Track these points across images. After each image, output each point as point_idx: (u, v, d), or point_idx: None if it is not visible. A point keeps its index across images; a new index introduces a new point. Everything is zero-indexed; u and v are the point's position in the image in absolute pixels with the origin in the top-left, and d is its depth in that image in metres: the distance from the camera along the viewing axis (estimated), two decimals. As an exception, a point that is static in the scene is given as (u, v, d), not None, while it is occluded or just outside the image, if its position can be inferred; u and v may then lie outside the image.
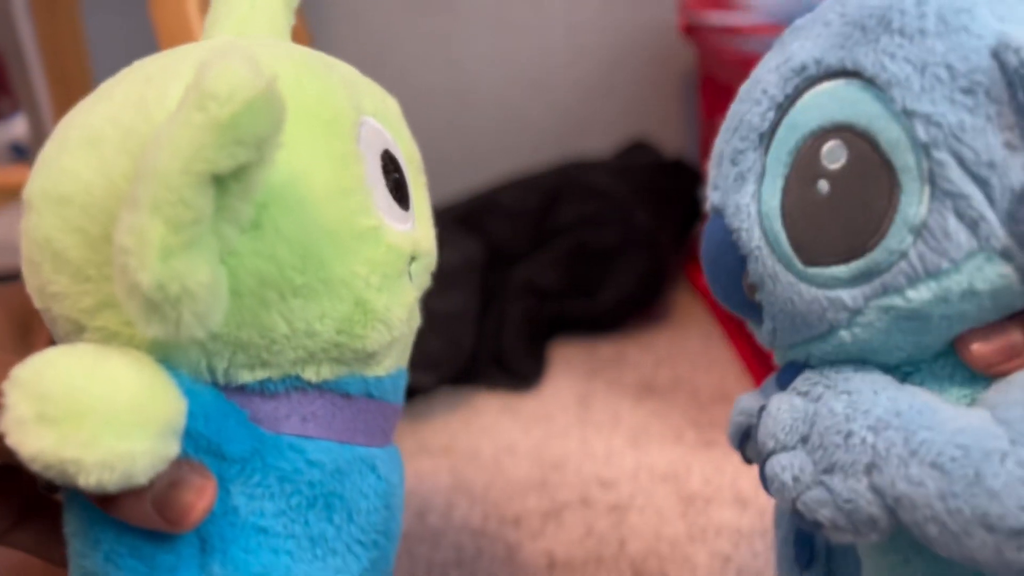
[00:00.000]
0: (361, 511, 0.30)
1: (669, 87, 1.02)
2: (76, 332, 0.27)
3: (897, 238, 0.24)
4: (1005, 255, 0.23)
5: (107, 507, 0.25)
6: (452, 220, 0.88)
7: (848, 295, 0.26)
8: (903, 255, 0.24)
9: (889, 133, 0.24)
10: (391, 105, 0.34)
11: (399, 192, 0.31)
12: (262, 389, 0.28)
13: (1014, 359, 0.24)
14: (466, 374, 0.74)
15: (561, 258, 0.82)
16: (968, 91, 0.23)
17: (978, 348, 0.25)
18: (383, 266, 0.29)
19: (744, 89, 0.30)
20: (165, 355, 0.26)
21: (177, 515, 0.25)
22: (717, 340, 0.79)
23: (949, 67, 0.23)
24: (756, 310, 0.29)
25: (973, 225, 0.23)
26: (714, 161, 0.31)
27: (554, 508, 0.56)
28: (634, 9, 0.97)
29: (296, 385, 0.29)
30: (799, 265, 0.27)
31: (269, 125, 0.22)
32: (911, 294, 0.24)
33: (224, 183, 0.23)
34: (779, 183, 0.27)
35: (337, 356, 0.29)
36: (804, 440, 0.26)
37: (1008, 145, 0.23)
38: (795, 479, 0.26)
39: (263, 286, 0.26)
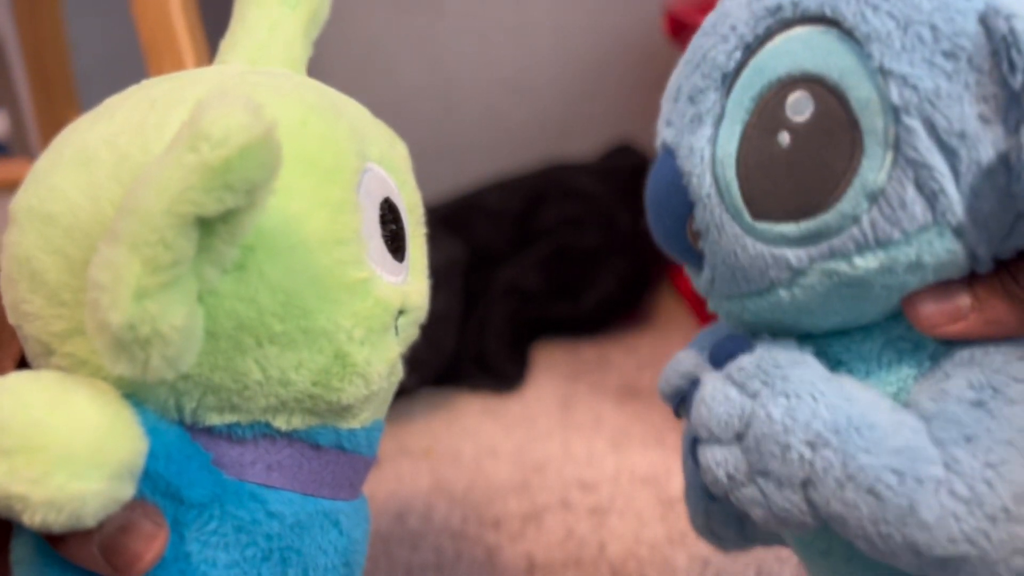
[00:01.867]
0: (319, 568, 0.29)
1: (654, 90, 1.01)
2: (45, 355, 0.27)
3: (852, 203, 0.23)
4: (958, 232, 0.23)
5: (54, 544, 0.24)
6: (436, 221, 0.87)
7: (793, 254, 0.25)
8: (856, 220, 0.23)
9: (860, 91, 0.23)
10: (399, 151, 0.33)
11: (395, 243, 0.30)
12: (229, 433, 0.27)
13: (959, 321, 0.24)
14: (448, 375, 0.74)
15: (544, 260, 0.82)
16: (950, 55, 0.22)
17: (925, 310, 0.24)
18: (369, 320, 0.28)
19: (710, 21, 0.28)
20: (132, 390, 0.25)
21: (124, 563, 0.24)
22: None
23: (933, 27, 0.22)
24: (697, 257, 0.28)
25: (932, 198, 0.23)
26: (670, 95, 0.29)
27: (534, 511, 0.56)
28: (619, 12, 0.97)
29: (265, 432, 0.28)
30: (748, 218, 0.26)
31: (262, 172, 0.21)
32: (858, 261, 0.24)
33: (210, 224, 0.22)
34: (738, 129, 0.26)
35: (310, 407, 0.28)
36: (739, 438, 0.26)
37: (982, 117, 0.22)
38: (730, 476, 0.26)
39: (240, 330, 0.25)
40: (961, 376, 0.24)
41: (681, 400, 0.29)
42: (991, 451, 0.22)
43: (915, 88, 0.22)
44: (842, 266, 0.24)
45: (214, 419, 0.27)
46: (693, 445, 0.30)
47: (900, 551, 0.23)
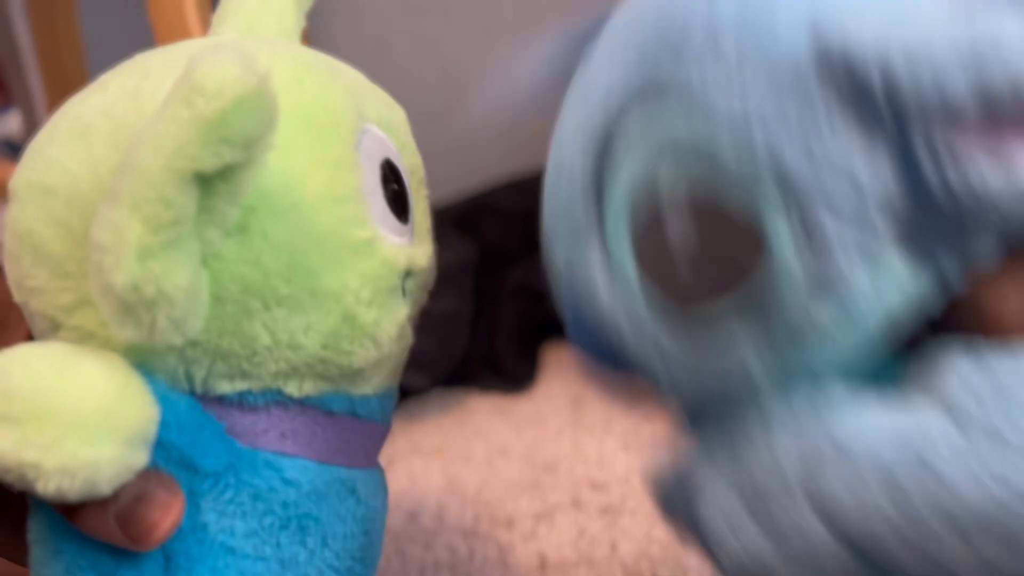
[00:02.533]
0: (337, 536, 0.28)
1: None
2: (52, 330, 0.26)
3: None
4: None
5: (70, 517, 0.24)
6: (446, 221, 0.88)
7: None
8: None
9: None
10: (397, 114, 0.33)
11: (398, 204, 0.30)
12: (241, 401, 0.27)
13: None
14: (459, 376, 0.74)
15: (555, 261, 0.82)
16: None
17: None
18: (375, 280, 0.28)
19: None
20: (141, 360, 0.25)
21: (140, 533, 0.23)
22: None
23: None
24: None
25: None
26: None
27: (546, 510, 0.56)
28: (630, 13, 0.98)
29: (277, 399, 0.27)
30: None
31: (259, 124, 0.21)
32: None
33: (210, 183, 0.22)
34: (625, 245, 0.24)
35: (322, 371, 0.28)
36: None
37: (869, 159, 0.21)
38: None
39: (246, 293, 0.25)
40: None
41: None
42: (1000, 391, 0.20)
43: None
44: None
45: (224, 387, 0.26)
46: None
47: (937, 527, 0.20)
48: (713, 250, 0.22)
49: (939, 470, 0.20)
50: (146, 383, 0.24)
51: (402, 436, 0.67)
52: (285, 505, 0.27)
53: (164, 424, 0.24)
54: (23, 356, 0.23)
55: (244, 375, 0.26)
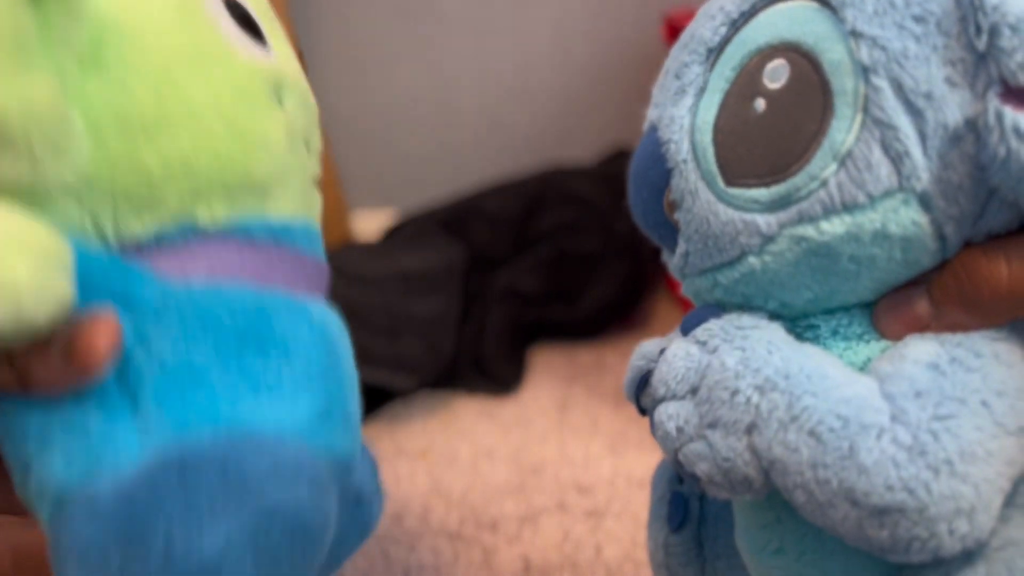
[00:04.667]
0: (299, 353, 0.27)
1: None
2: None
3: (820, 164, 0.24)
4: (924, 201, 0.23)
5: (19, 385, 0.24)
6: (434, 224, 0.88)
7: (763, 220, 0.25)
8: (823, 183, 0.24)
9: (833, 54, 0.24)
10: None
11: (249, 27, 0.30)
12: (160, 243, 0.26)
13: (923, 331, 0.24)
14: (446, 378, 0.74)
15: (542, 264, 0.82)
16: (919, 19, 0.23)
17: (888, 323, 0.25)
18: (245, 90, 0.27)
19: (703, 10, 0.29)
20: (40, 211, 0.24)
21: (83, 355, 0.23)
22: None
23: None
24: (671, 232, 0.29)
25: (897, 160, 0.23)
26: (659, 81, 0.30)
27: (531, 513, 0.56)
28: (618, 18, 0.98)
29: (194, 232, 0.27)
30: (721, 184, 0.26)
31: None
32: (824, 226, 0.24)
33: (47, 13, 0.21)
34: (717, 98, 0.27)
35: (223, 186, 0.27)
36: (694, 391, 0.26)
37: (949, 80, 0.22)
38: (679, 430, 0.26)
39: (123, 122, 0.25)
40: (920, 345, 0.24)
41: (643, 385, 0.29)
42: (941, 405, 0.22)
43: (884, 49, 0.23)
44: (809, 231, 0.24)
45: (135, 226, 0.26)
46: (667, 474, 0.30)
47: (837, 500, 0.22)
48: (775, 138, 0.25)
49: (861, 460, 0.22)
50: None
51: (387, 437, 0.67)
52: (235, 320, 0.26)
53: (89, 265, 0.24)
54: None
55: (149, 207, 0.26)
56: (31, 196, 0.24)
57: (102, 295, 0.24)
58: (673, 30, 0.79)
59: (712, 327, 0.26)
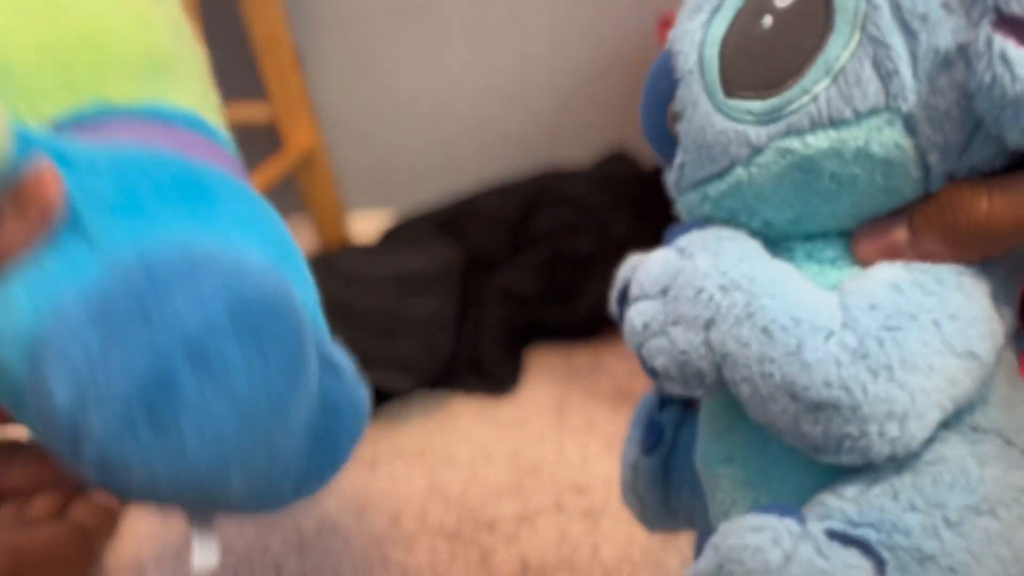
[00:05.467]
0: (241, 205, 0.28)
1: (649, 98, 1.02)
2: None
3: (814, 78, 0.24)
4: (908, 124, 0.23)
5: None
6: (431, 226, 0.88)
7: (754, 131, 0.26)
8: (814, 98, 0.24)
9: None
10: None
11: None
12: (78, 123, 0.27)
13: (896, 257, 0.25)
14: (443, 378, 0.75)
15: (539, 265, 0.82)
16: None
17: (864, 246, 0.25)
18: None
19: None
20: None
21: (37, 202, 0.23)
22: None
23: None
24: (672, 145, 0.29)
25: (886, 78, 0.23)
26: (681, 10, 0.31)
27: (528, 513, 0.56)
28: (614, 21, 0.98)
29: (110, 112, 0.27)
30: (720, 95, 0.27)
31: None
32: (809, 139, 0.25)
33: None
34: (730, 15, 0.27)
35: (128, 70, 0.27)
36: (664, 292, 0.27)
37: (946, 6, 0.23)
38: (645, 325, 0.27)
39: (20, 3, 0.25)
40: (886, 269, 0.24)
41: (625, 296, 0.30)
42: (891, 318, 0.23)
43: None
44: (795, 144, 0.25)
45: (50, 109, 0.26)
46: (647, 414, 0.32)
47: (778, 393, 0.23)
48: (776, 52, 0.25)
49: (805, 357, 0.23)
50: None
51: (385, 438, 0.67)
52: (167, 171, 0.26)
53: (21, 140, 0.24)
54: None
55: (61, 87, 0.26)
56: None
57: (35, 141, 0.24)
58: (668, 32, 0.79)
59: (693, 236, 0.27)
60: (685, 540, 0.52)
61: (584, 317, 0.81)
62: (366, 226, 1.07)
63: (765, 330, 0.24)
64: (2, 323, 0.24)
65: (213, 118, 0.31)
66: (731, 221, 0.28)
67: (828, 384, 0.22)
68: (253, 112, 0.95)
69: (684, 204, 0.30)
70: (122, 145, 0.26)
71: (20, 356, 0.24)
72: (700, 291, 0.25)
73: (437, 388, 0.74)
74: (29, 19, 0.26)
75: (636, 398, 0.71)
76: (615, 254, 0.90)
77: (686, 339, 0.25)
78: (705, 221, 0.29)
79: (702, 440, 0.30)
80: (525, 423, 0.69)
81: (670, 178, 0.30)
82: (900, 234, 0.25)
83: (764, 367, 0.23)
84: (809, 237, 0.27)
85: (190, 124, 0.29)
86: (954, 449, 0.24)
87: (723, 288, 0.25)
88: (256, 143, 0.98)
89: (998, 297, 0.24)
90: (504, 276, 0.82)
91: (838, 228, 0.26)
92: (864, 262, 0.26)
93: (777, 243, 0.27)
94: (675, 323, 0.26)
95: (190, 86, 0.30)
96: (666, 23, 0.80)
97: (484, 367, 0.76)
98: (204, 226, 0.26)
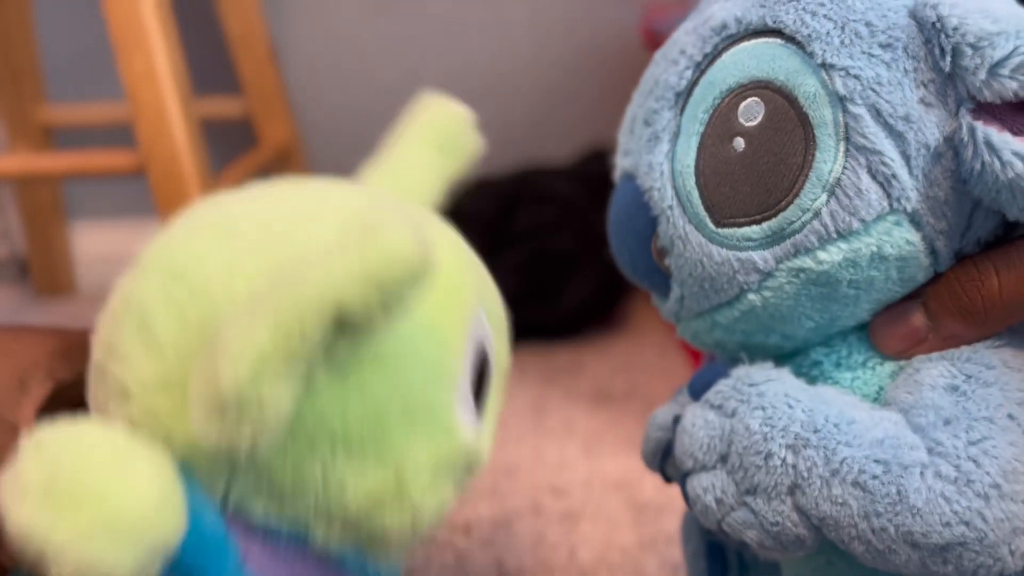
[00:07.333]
0: None
1: (630, 95, 1.02)
2: (121, 397, 0.26)
3: (811, 196, 0.24)
4: (914, 220, 0.23)
5: None
6: (410, 223, 0.87)
7: (759, 256, 0.25)
8: (816, 214, 0.24)
9: (807, 87, 0.24)
10: (502, 311, 0.34)
11: (478, 392, 0.30)
12: (265, 534, 0.27)
13: (921, 343, 0.25)
14: (420, 379, 0.74)
15: (519, 264, 0.82)
16: (886, 46, 0.23)
17: (887, 339, 0.25)
18: (440, 459, 0.28)
19: (660, 53, 0.29)
20: (192, 458, 0.25)
21: None
22: (673, 349, 0.79)
23: (868, 24, 0.24)
24: (662, 279, 0.28)
25: (886, 183, 0.23)
26: (625, 128, 0.30)
27: (505, 516, 0.56)
28: (596, 17, 0.98)
29: (299, 546, 0.27)
30: (711, 226, 0.26)
31: (412, 291, 0.22)
32: (822, 255, 0.24)
33: (341, 330, 0.22)
34: (694, 141, 0.27)
35: (352, 522, 0.27)
36: (723, 459, 0.26)
37: (924, 101, 0.23)
38: (718, 501, 0.25)
39: (319, 431, 0.25)
40: (932, 368, 0.24)
41: (665, 455, 0.29)
42: (972, 429, 0.22)
43: (857, 78, 0.23)
44: (807, 262, 0.24)
45: (257, 507, 0.26)
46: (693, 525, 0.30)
47: (897, 545, 0.22)
48: (760, 174, 0.25)
49: (912, 502, 0.22)
50: (184, 487, 0.24)
51: (361, 440, 0.66)
52: None
53: (186, 543, 0.24)
54: (81, 437, 0.23)
55: (280, 501, 0.26)
56: (197, 451, 0.25)
57: (184, 564, 0.24)
58: (650, 30, 0.79)
59: (723, 389, 0.26)
60: (664, 542, 0.52)
61: (565, 316, 0.81)
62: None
63: (857, 483, 0.23)
64: None
65: (398, 566, 0.32)
66: (746, 342, 0.27)
67: (947, 524, 0.22)
68: (228, 107, 0.93)
69: (688, 330, 0.29)
70: None
71: None
72: (769, 456, 0.24)
73: (414, 388, 0.74)
74: (321, 451, 0.26)
75: (616, 399, 0.71)
76: (597, 253, 0.90)
77: (772, 509, 0.24)
78: (723, 362, 0.28)
79: (794, 572, 0.28)
80: (503, 424, 0.67)
81: (666, 308, 0.29)
82: (918, 319, 0.25)
83: (872, 523, 0.22)
84: (829, 344, 0.26)
85: (345, 570, 0.29)
86: None
87: (792, 448, 0.24)
88: (231, 138, 0.96)
89: None
90: (483, 275, 0.81)
91: (855, 324, 0.26)
92: (891, 355, 0.25)
93: (796, 355, 0.27)
94: (751, 493, 0.25)
95: (401, 547, 0.30)
96: (648, 20, 0.80)
97: (462, 367, 0.75)
98: None
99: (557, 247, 0.82)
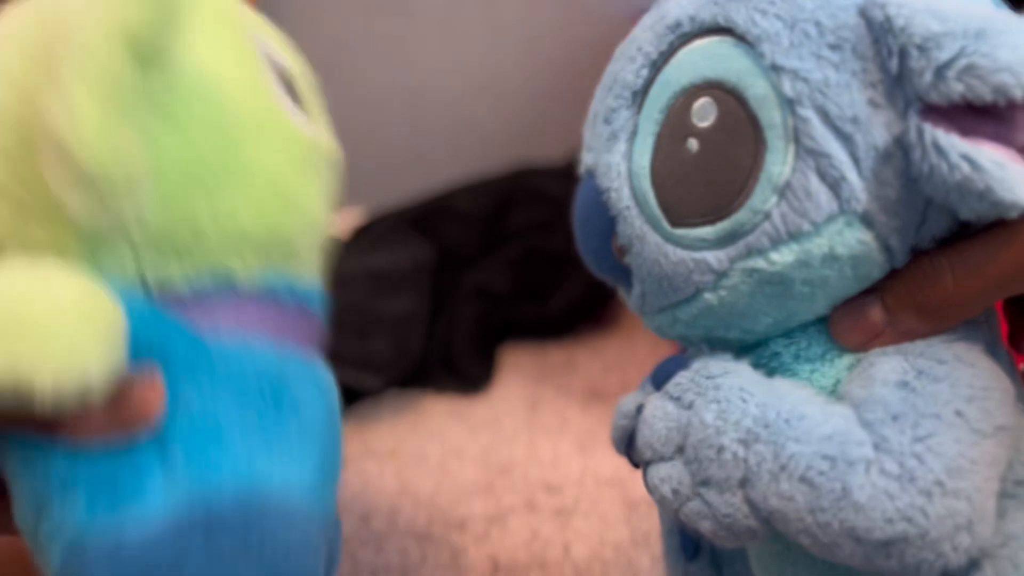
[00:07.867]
0: (308, 414, 0.29)
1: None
2: None
3: (761, 198, 0.24)
4: (866, 220, 0.23)
5: (58, 431, 0.24)
6: (404, 223, 0.87)
7: (713, 257, 0.25)
8: (767, 216, 0.24)
9: (756, 89, 0.24)
10: (266, 23, 0.36)
11: (293, 97, 0.32)
12: (196, 295, 0.27)
13: (878, 337, 0.25)
14: (414, 377, 0.74)
15: (512, 263, 0.82)
16: (835, 47, 0.23)
17: (845, 333, 0.25)
18: (296, 158, 0.29)
19: (620, 49, 0.30)
20: (95, 261, 0.25)
21: (133, 415, 0.24)
22: (665, 347, 0.80)
23: (818, 23, 0.24)
24: (626, 274, 0.29)
25: (835, 185, 0.23)
26: (589, 123, 0.31)
27: (499, 513, 0.56)
28: (589, 17, 0.98)
29: (228, 288, 0.28)
30: (666, 226, 0.26)
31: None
32: (774, 256, 0.24)
33: (140, 60, 0.23)
34: (650, 141, 0.27)
35: (262, 250, 0.28)
36: (680, 451, 0.26)
37: (872, 103, 0.23)
38: (675, 492, 0.26)
39: (186, 176, 0.26)
40: (886, 363, 0.24)
41: (631, 442, 0.30)
42: (918, 426, 0.22)
43: (806, 80, 0.23)
44: (760, 263, 0.25)
45: (176, 276, 0.27)
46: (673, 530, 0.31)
47: (841, 539, 0.23)
48: (712, 176, 0.25)
49: (855, 499, 0.22)
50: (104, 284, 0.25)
51: (355, 438, 0.66)
52: (258, 380, 0.28)
53: (133, 319, 0.25)
54: None
55: (192, 259, 0.27)
56: (94, 240, 0.25)
57: (144, 348, 0.25)
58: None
59: (682, 381, 0.27)
60: (657, 539, 0.52)
61: (557, 315, 0.81)
62: (337, 223, 1.06)
63: (804, 479, 0.23)
64: (53, 506, 0.24)
65: (320, 278, 0.33)
66: (708, 336, 0.28)
67: (889, 520, 0.22)
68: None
69: (653, 324, 0.30)
70: (226, 337, 0.27)
71: (56, 547, 0.24)
72: (721, 450, 0.25)
73: (408, 387, 0.74)
74: (190, 190, 0.26)
75: (609, 397, 0.71)
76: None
77: (724, 501, 0.25)
78: (684, 355, 0.28)
79: (758, 557, 0.29)
80: (497, 422, 0.68)
81: (632, 303, 0.30)
82: (876, 313, 0.25)
83: (818, 517, 0.23)
84: (789, 336, 0.27)
85: (300, 300, 0.31)
86: (1016, 522, 0.23)
87: (743, 443, 0.24)
88: (226, 139, 0.96)
89: (990, 347, 0.24)
90: (477, 274, 0.82)
91: (815, 318, 0.26)
92: (850, 348, 0.25)
93: (757, 346, 0.27)
94: (705, 484, 0.25)
95: (314, 258, 0.32)
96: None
97: (456, 366, 0.75)
98: (271, 452, 0.27)
99: (550, 246, 0.82)
